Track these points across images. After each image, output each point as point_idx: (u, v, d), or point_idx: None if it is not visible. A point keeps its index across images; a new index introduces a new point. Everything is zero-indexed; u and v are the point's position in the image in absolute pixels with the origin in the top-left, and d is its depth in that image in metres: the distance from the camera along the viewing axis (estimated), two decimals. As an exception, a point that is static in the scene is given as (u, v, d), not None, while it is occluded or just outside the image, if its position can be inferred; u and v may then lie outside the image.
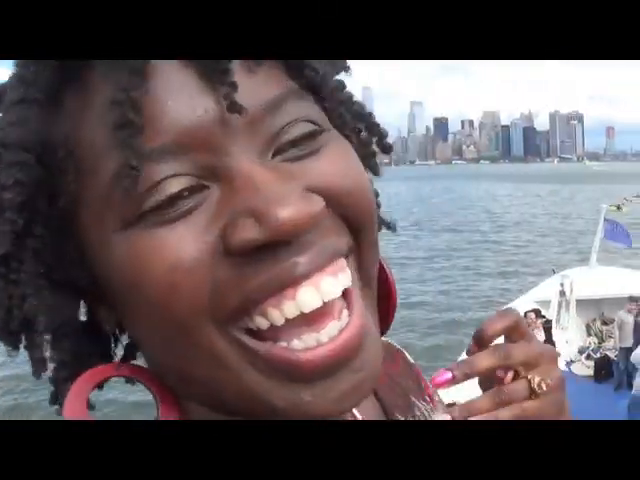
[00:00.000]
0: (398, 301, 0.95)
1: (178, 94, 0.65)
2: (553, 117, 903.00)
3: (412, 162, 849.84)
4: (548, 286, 17.73)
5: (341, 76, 0.85)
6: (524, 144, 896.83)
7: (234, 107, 0.64)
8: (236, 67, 0.67)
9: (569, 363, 15.44)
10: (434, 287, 28.50)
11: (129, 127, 0.63)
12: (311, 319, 0.68)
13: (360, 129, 0.86)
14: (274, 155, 0.69)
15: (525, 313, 11.93)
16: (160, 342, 0.70)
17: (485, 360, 0.98)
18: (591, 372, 14.79)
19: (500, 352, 0.99)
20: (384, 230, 0.93)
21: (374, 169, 0.88)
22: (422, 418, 1.06)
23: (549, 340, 13.12)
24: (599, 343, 16.10)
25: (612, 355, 14.45)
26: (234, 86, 0.65)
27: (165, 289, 0.64)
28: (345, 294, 0.71)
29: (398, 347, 1.17)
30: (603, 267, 19.89)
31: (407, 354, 1.18)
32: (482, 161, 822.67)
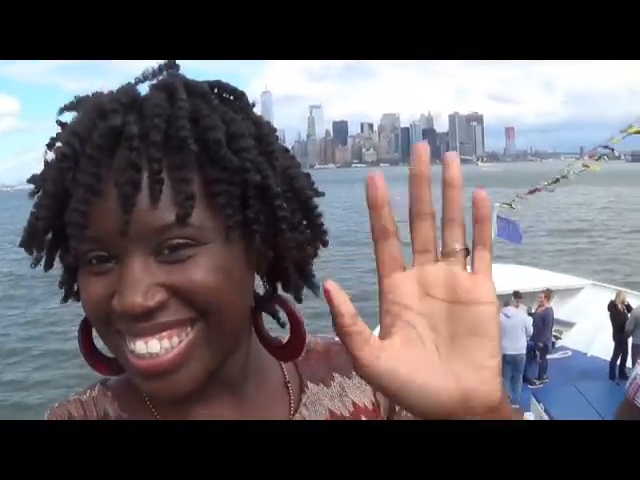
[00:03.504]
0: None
1: (110, 215, 0.90)
2: (453, 119, 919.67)
3: (312, 166, 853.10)
4: None
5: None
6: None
7: (133, 228, 0.90)
8: (143, 196, 0.89)
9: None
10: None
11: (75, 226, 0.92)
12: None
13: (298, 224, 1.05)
14: (156, 256, 0.93)
15: None
16: None
17: None
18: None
19: None
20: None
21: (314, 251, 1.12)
22: (337, 388, 1.28)
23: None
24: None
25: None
26: (129, 221, 0.89)
27: (86, 308, 0.98)
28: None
29: (337, 339, 1.40)
30: (496, 264, 20.22)
31: None
32: (382, 164, 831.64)
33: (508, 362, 12.83)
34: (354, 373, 1.22)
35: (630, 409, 1.42)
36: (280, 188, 0.99)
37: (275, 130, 1.06)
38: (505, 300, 13.69)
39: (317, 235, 1.09)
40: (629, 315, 13.56)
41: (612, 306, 14.48)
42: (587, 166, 18.99)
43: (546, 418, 11.44)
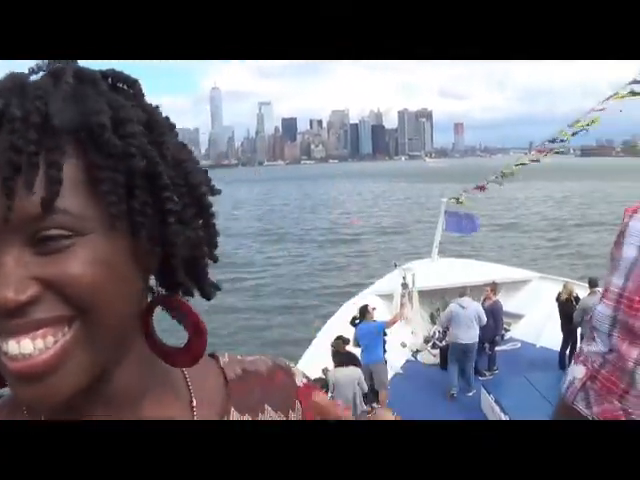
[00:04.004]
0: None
1: None
2: (402, 115, 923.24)
3: (261, 163, 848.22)
4: (390, 280, 18.23)
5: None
6: (373, 142, 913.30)
7: (7, 221, 0.85)
8: (19, 186, 0.84)
9: (415, 353, 16.02)
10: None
11: None
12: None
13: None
14: (32, 247, 0.87)
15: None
16: None
17: None
18: (437, 360, 15.31)
19: None
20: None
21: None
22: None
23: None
24: (444, 331, 16.59)
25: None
26: (11, 208, 0.84)
27: None
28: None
29: (290, 367, 1.31)
30: (445, 259, 20.82)
31: (298, 375, 1.29)
32: (331, 160, 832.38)
33: (462, 350, 13.66)
34: (290, 412, 1.21)
35: (568, 412, 1.41)
36: (172, 181, 0.95)
37: (171, 125, 1.03)
38: (460, 292, 14.30)
39: (209, 235, 1.05)
40: (577, 306, 13.79)
41: (560, 297, 14.70)
42: (537, 160, 19.27)
43: (497, 409, 11.61)
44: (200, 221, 1.02)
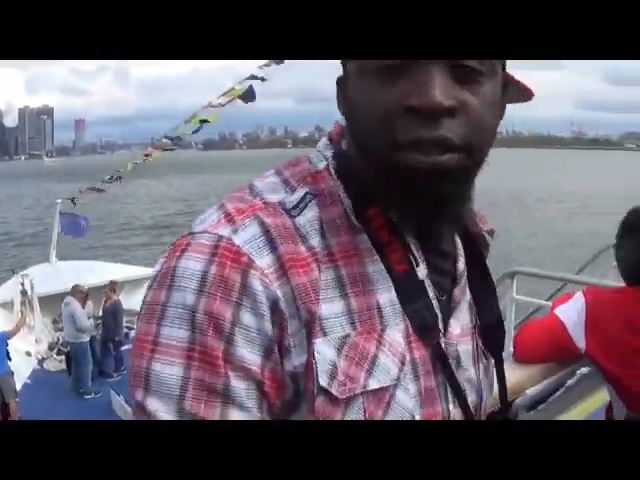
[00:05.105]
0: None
1: None
2: (22, 113, 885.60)
3: None
4: (9, 287, 17.46)
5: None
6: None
7: None
8: None
9: (41, 361, 15.57)
10: None
11: None
12: None
13: None
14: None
15: None
16: None
17: None
18: (64, 366, 14.98)
19: None
20: None
21: None
22: None
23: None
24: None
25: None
26: None
27: None
28: None
29: None
30: (64, 262, 20.39)
31: None
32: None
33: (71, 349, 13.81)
34: None
35: None
36: None
37: None
38: (72, 290, 14.25)
39: None
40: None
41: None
42: (148, 155, 19.32)
43: (128, 409, 11.61)
44: None
